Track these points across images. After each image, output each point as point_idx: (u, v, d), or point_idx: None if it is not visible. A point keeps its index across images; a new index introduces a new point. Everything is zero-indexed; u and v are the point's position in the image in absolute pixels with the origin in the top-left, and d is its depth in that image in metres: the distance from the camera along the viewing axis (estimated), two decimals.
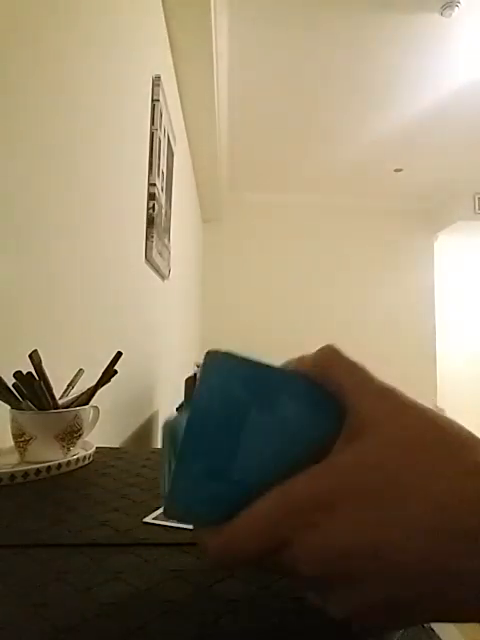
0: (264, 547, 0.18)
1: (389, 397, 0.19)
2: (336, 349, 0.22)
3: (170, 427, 0.21)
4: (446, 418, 0.19)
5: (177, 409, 2.05)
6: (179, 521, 0.22)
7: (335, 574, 0.18)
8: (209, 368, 0.20)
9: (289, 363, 0.24)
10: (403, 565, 0.17)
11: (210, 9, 1.81)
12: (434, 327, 4.65)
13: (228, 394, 0.19)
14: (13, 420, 0.55)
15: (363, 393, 0.19)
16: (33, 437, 0.54)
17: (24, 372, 0.54)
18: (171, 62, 2.10)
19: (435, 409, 0.19)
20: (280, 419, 0.19)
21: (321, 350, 0.22)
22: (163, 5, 1.80)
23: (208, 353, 0.20)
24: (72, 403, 0.60)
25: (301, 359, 0.23)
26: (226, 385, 0.19)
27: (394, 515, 0.17)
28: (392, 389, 0.20)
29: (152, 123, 1.63)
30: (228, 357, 0.20)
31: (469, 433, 0.18)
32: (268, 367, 0.20)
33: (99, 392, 0.64)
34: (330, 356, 0.21)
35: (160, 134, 1.70)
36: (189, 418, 0.19)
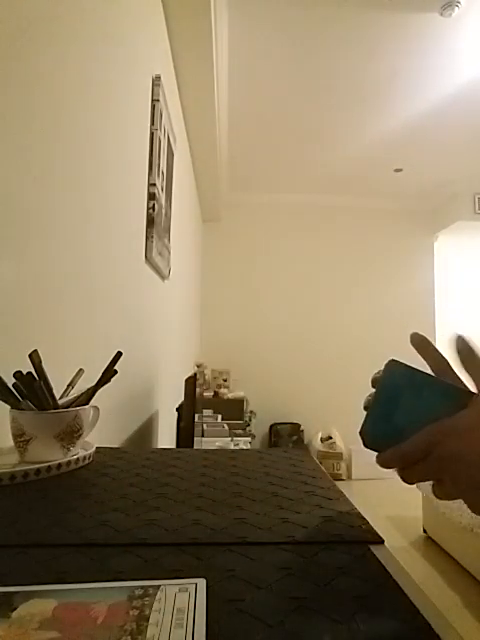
0: (417, 455, 0.34)
1: None
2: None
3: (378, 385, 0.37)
4: None
5: (177, 410, 2.02)
6: (367, 444, 0.37)
7: (446, 470, 0.33)
8: (389, 367, 0.37)
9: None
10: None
11: (210, 9, 1.81)
12: (434, 327, 4.65)
13: (395, 383, 0.36)
14: (13, 420, 0.55)
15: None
16: (33, 437, 0.54)
17: (24, 372, 0.54)
18: (171, 62, 2.10)
19: None
20: (420, 400, 0.35)
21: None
22: (163, 5, 1.80)
23: (390, 360, 0.37)
24: (72, 403, 0.60)
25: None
26: (394, 378, 0.36)
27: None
28: None
29: (152, 123, 1.63)
30: (398, 363, 0.36)
31: None
32: (419, 372, 0.35)
33: (99, 392, 0.64)
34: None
35: (160, 134, 1.70)
36: (376, 392, 0.37)
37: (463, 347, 0.37)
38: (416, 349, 0.39)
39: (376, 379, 0.38)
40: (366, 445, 0.37)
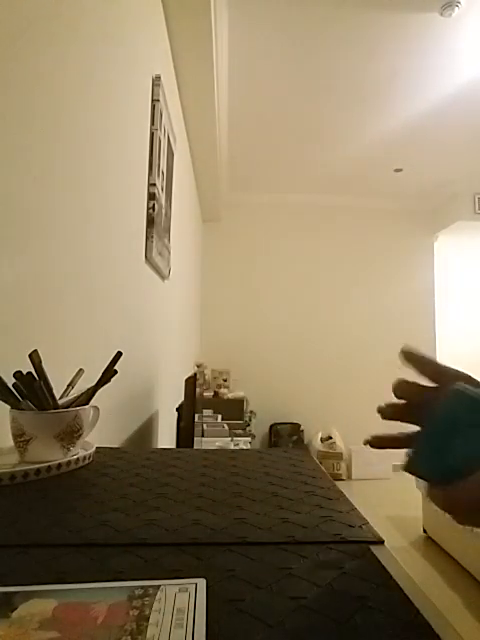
0: (474, 505, 0.29)
1: None
2: None
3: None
4: None
5: (177, 410, 2.03)
6: (417, 476, 0.33)
7: None
8: (452, 394, 0.31)
9: None
10: None
11: (210, 9, 1.81)
12: (434, 327, 4.65)
13: (457, 414, 0.31)
14: (13, 420, 0.55)
15: None
16: (33, 437, 0.54)
17: (24, 372, 0.54)
18: (171, 62, 2.10)
19: None
20: None
21: None
22: (163, 5, 1.80)
23: (454, 388, 0.31)
24: (72, 403, 0.60)
25: None
26: (457, 407, 0.31)
27: None
28: None
29: (152, 123, 1.63)
30: (461, 392, 0.31)
31: None
32: None
33: (99, 392, 0.64)
34: None
35: (160, 134, 1.70)
36: (430, 422, 0.31)
37: (411, 356, 0.35)
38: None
39: (382, 409, 0.34)
40: (413, 473, 0.33)
